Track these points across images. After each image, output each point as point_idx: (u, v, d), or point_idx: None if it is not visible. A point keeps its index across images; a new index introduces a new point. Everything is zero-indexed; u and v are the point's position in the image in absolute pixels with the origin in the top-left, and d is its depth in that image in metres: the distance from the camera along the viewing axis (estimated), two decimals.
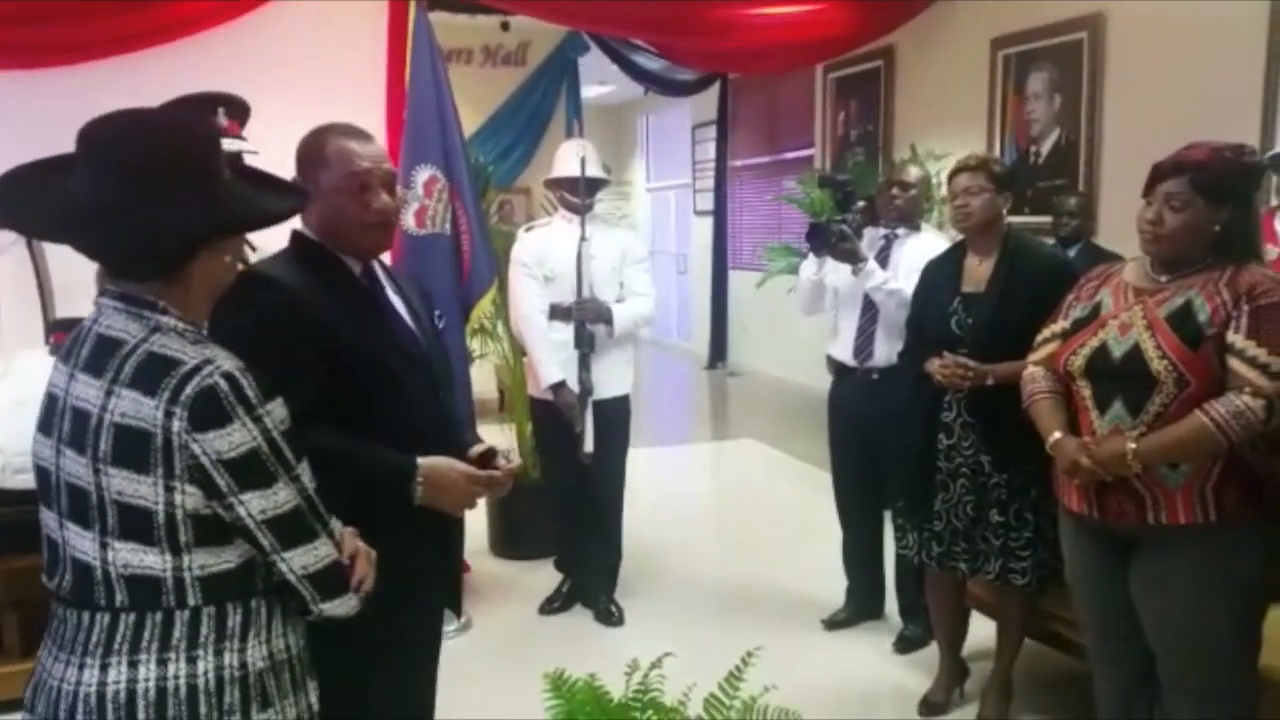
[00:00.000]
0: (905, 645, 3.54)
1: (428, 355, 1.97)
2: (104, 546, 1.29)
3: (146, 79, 3.51)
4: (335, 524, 1.40)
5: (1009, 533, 2.83)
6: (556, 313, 3.66)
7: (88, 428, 1.27)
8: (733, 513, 5.65)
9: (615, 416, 3.75)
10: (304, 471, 1.34)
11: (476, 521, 4.35)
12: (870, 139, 6.86)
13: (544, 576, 4.16)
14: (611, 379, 3.72)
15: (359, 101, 3.64)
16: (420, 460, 1.80)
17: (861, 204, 3.52)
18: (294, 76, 3.68)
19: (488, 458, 2.00)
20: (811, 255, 3.49)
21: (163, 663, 1.28)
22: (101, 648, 1.29)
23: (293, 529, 1.32)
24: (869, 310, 3.41)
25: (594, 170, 3.71)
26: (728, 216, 9.66)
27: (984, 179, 2.88)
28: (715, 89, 9.25)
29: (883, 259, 3.43)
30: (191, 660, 1.29)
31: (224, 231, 1.36)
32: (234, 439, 1.25)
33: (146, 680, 1.27)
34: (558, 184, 3.78)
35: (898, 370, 3.26)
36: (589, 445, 3.62)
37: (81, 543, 1.30)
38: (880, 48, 6.52)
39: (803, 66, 7.32)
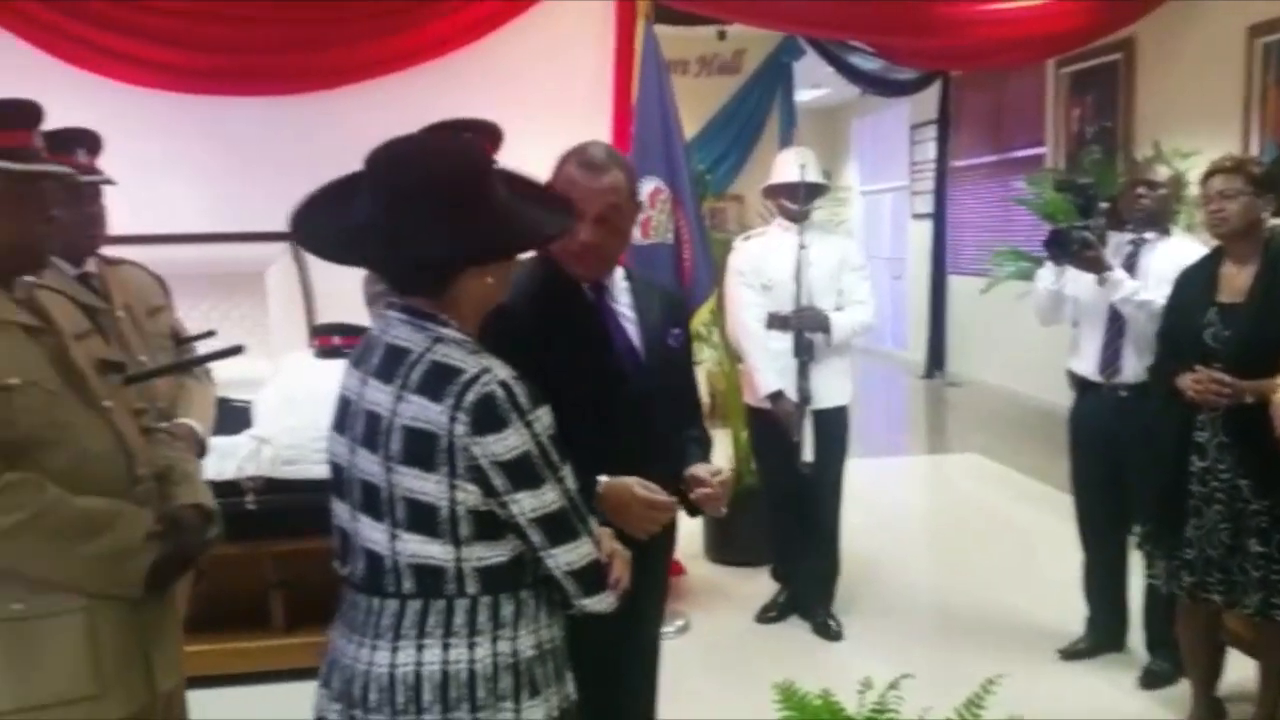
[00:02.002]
0: (1152, 680, 3.29)
1: (646, 370, 1.96)
2: (393, 538, 1.40)
3: (392, 102, 3.79)
4: (594, 524, 1.47)
5: (1271, 565, 2.60)
6: (774, 321, 3.65)
7: (379, 429, 1.39)
8: (954, 530, 5.44)
9: (834, 427, 3.70)
10: (568, 474, 1.41)
11: (692, 524, 4.41)
12: (1107, 136, 6.43)
13: (759, 584, 4.16)
14: (830, 388, 3.68)
15: (588, 118, 3.79)
16: (602, 480, 1.78)
17: (1104, 206, 3.31)
18: (528, 96, 3.86)
19: (697, 481, 1.95)
20: (1050, 263, 3.31)
21: (446, 647, 1.38)
22: (391, 631, 1.40)
23: (559, 527, 1.40)
24: (1115, 322, 3.20)
25: (813, 177, 3.69)
26: (947, 219, 9.31)
27: (1241, 181, 2.69)
28: (935, 87, 8.94)
29: (1130, 266, 3.21)
30: (471, 646, 1.39)
31: (484, 258, 1.43)
32: (509, 442, 1.34)
33: (431, 664, 1.38)
34: (776, 191, 3.78)
35: (1147, 386, 3.05)
36: (807, 454, 3.60)
37: (373, 534, 1.42)
38: (1119, 39, 6.10)
39: (1034, 62, 6.96)
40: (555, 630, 1.49)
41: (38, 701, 1.54)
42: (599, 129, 3.92)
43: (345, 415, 1.47)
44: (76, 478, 1.57)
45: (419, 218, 1.37)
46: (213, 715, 1.93)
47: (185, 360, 2.50)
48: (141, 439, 1.75)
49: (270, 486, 3.26)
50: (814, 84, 9.64)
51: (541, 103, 3.84)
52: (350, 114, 3.83)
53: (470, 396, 1.33)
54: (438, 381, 1.35)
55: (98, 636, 1.59)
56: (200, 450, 2.43)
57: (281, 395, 3.40)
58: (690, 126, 7.87)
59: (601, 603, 1.47)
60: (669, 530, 2.01)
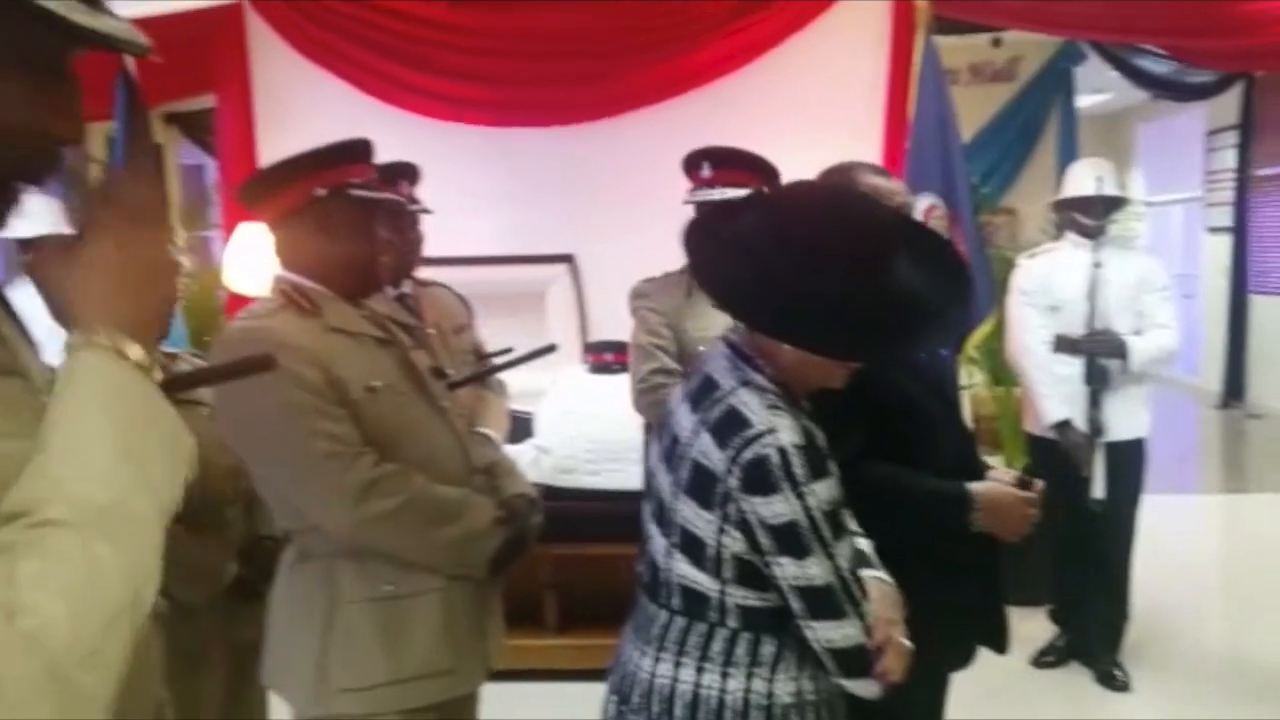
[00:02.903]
0: None
1: (939, 382, 1.94)
2: (669, 554, 1.43)
3: (666, 127, 3.91)
4: (868, 608, 1.39)
5: None
6: (1063, 345, 3.41)
7: (676, 452, 1.43)
8: (1253, 577, 4.85)
9: (1128, 461, 3.41)
10: (841, 551, 1.36)
11: None
12: None
13: (1035, 625, 3.89)
14: (1125, 419, 3.39)
15: (859, 135, 3.72)
16: (971, 486, 1.76)
17: None
18: (799, 115, 3.86)
19: (1024, 484, 1.89)
20: None
21: (700, 670, 1.39)
22: (657, 641, 1.44)
23: (822, 602, 1.35)
24: None
25: (1111, 190, 3.43)
26: (1249, 232, 8.39)
27: None
28: (1235, 90, 8.10)
29: None
30: (724, 676, 1.38)
31: (822, 354, 1.39)
32: (776, 508, 1.32)
33: (685, 682, 1.39)
34: (1068, 205, 3.54)
35: None
36: (1097, 491, 3.34)
37: (658, 545, 1.46)
38: None
39: None
40: (821, 684, 1.42)
41: (407, 675, 1.69)
42: (870, 145, 3.85)
43: (664, 429, 1.52)
44: (427, 470, 1.73)
45: (810, 264, 1.35)
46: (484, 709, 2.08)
47: (504, 362, 2.62)
48: (469, 436, 1.92)
49: (548, 494, 3.41)
50: (1095, 89, 8.99)
51: (813, 121, 3.82)
52: (628, 141, 3.99)
53: (747, 454, 1.32)
54: (727, 428, 1.36)
55: (452, 615, 1.73)
56: None
57: (559, 408, 3.58)
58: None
59: (863, 689, 1.39)
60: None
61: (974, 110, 7.88)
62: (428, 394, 1.81)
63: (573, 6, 4.03)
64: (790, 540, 1.32)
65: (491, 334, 2.92)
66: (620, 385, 3.66)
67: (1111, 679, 3.53)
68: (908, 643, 1.43)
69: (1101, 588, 3.57)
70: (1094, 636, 3.63)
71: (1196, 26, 4.80)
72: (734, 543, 1.35)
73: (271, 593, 1.79)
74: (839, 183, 1.92)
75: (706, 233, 1.54)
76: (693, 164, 2.66)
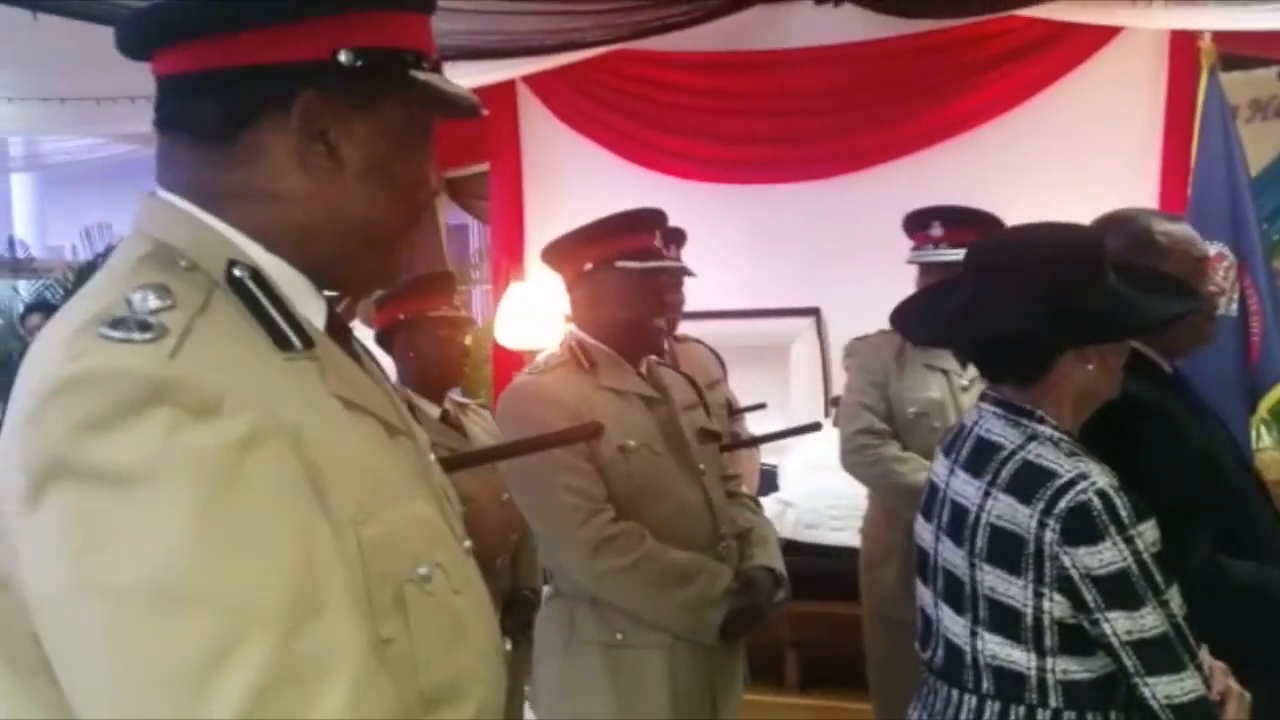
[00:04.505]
0: None
1: (1249, 463, 1.78)
2: (974, 635, 1.37)
3: (910, 179, 3.85)
4: (1205, 656, 1.31)
5: None
6: None
7: (965, 523, 1.38)
8: None
9: None
10: (1174, 597, 1.28)
11: None
12: None
13: None
14: None
15: (1133, 179, 3.53)
16: None
17: None
18: (1064, 162, 3.70)
19: None
20: None
21: None
22: None
23: (1158, 655, 1.27)
24: None
25: None
26: None
27: None
28: None
29: None
30: None
31: (1083, 339, 1.35)
32: (1104, 557, 1.25)
33: None
34: None
35: None
36: None
37: (954, 625, 1.41)
38: None
39: None
40: None
41: (631, 718, 1.76)
42: (1144, 193, 3.63)
43: (933, 502, 1.48)
44: (671, 529, 1.80)
45: (1009, 294, 1.35)
46: None
47: (774, 434, 2.72)
48: (725, 501, 1.95)
49: (791, 548, 3.39)
50: None
51: (1075, 170, 3.66)
52: (875, 192, 3.97)
53: (1063, 503, 1.27)
54: (1029, 483, 1.30)
55: (676, 672, 1.79)
56: None
57: (804, 462, 3.57)
58: None
59: None
60: None
61: (1257, 148, 7.17)
62: (685, 455, 1.87)
63: (821, 65, 4.10)
64: (1122, 591, 1.25)
65: (739, 387, 2.97)
66: None
67: None
68: (1244, 691, 1.33)
69: None
70: None
71: None
72: (1056, 605, 1.29)
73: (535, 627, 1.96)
74: (1129, 231, 1.72)
75: (924, 302, 1.53)
76: (920, 223, 2.59)
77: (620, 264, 1.83)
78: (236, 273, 0.78)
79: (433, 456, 0.94)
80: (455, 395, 2.40)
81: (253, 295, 0.78)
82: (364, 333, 3.23)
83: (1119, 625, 1.26)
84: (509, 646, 1.81)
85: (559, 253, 1.92)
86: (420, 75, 0.83)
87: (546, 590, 1.94)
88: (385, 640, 0.75)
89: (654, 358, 1.99)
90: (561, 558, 1.82)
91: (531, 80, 4.37)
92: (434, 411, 2.28)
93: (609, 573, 1.74)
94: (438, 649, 0.80)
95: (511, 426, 1.86)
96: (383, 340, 2.33)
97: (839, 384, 4.15)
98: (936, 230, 2.55)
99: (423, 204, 0.92)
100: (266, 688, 0.63)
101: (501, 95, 4.33)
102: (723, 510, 1.91)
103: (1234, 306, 3.34)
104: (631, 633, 1.78)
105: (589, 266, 1.85)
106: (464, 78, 3.91)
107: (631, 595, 1.77)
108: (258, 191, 0.81)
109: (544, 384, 1.83)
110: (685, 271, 2.47)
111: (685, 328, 2.92)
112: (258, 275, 0.79)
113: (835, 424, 3.81)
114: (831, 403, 4.03)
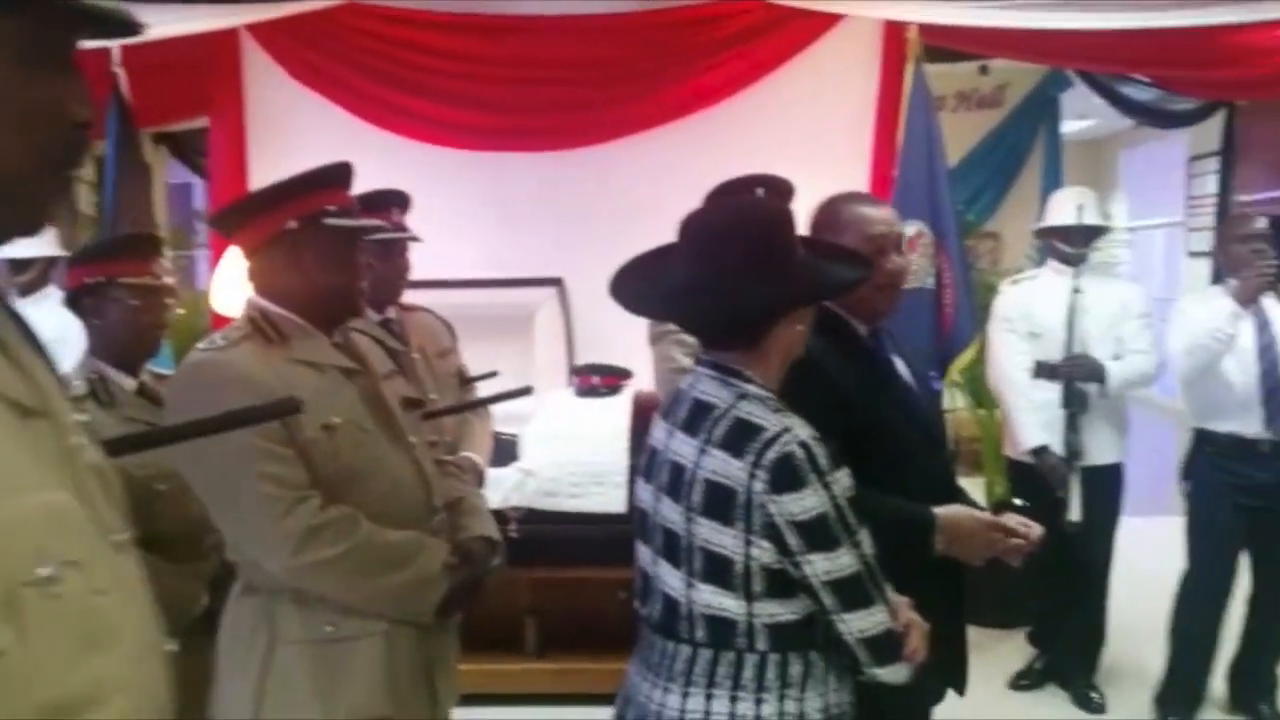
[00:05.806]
0: None
1: (927, 417, 1.97)
2: (689, 586, 1.45)
3: (652, 155, 3.97)
4: (890, 593, 1.45)
5: None
6: (1042, 370, 3.46)
7: (683, 479, 1.45)
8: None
9: (1105, 485, 3.46)
10: (864, 539, 1.41)
11: None
12: None
13: (1013, 648, 3.93)
14: (1102, 443, 3.44)
15: (847, 162, 3.78)
16: (937, 510, 1.77)
17: None
18: (786, 143, 3.90)
19: (999, 513, 1.90)
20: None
21: (733, 700, 1.42)
22: (682, 677, 1.45)
23: (852, 592, 1.39)
24: None
25: (1092, 219, 3.49)
26: None
27: None
28: (1218, 117, 8.20)
29: None
30: (758, 702, 1.41)
31: (799, 303, 1.48)
32: (806, 503, 1.36)
33: (719, 714, 1.42)
34: (1049, 233, 3.60)
35: None
36: (1074, 513, 3.38)
37: (671, 580, 1.48)
38: None
39: None
40: (844, 695, 1.48)
41: (341, 718, 1.63)
42: (857, 173, 3.91)
43: (652, 464, 1.54)
44: (385, 507, 1.69)
45: (738, 274, 1.42)
46: None
47: (481, 399, 2.67)
48: (436, 472, 1.88)
49: (531, 517, 3.44)
50: (1079, 115, 9.09)
51: (800, 149, 3.87)
52: (618, 166, 4.03)
53: (770, 455, 1.36)
54: (740, 438, 1.39)
55: (394, 659, 1.68)
56: (480, 482, 2.61)
57: (545, 431, 3.60)
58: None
59: (894, 674, 1.44)
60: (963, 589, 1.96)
61: (961, 135, 7.95)
62: (393, 428, 1.76)
63: (565, 35, 4.08)
64: (820, 534, 1.36)
65: (480, 357, 2.94)
66: (605, 408, 3.70)
67: (1088, 700, 3.57)
68: (924, 622, 1.47)
69: (1078, 610, 3.61)
70: (1070, 659, 3.68)
71: (1183, 57, 4.88)
72: (763, 552, 1.38)
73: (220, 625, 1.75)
74: (822, 208, 1.93)
75: (638, 278, 1.58)
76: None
77: (330, 221, 1.67)
78: None
79: (85, 439, 0.83)
80: (156, 367, 2.21)
81: None
82: (57, 295, 2.91)
83: (819, 566, 1.37)
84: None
85: (248, 211, 1.71)
86: None
87: (235, 588, 1.73)
88: None
89: (350, 325, 1.82)
90: (260, 554, 1.63)
91: (256, 30, 4.06)
92: (129, 384, 2.08)
93: (317, 564, 1.59)
94: (66, 657, 0.71)
95: (191, 413, 1.44)
96: (73, 305, 2.10)
97: (582, 353, 4.25)
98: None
99: (65, 139, 0.80)
100: None
101: (223, 44, 4.00)
102: (436, 483, 1.84)
103: (930, 280, 3.70)
104: (344, 624, 1.65)
105: (292, 224, 1.65)
106: (180, 24, 3.63)
107: (343, 584, 1.63)
108: None
109: (228, 360, 1.62)
110: (410, 237, 2.38)
111: (422, 297, 2.84)
112: None
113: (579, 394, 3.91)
114: (573, 372, 4.09)
